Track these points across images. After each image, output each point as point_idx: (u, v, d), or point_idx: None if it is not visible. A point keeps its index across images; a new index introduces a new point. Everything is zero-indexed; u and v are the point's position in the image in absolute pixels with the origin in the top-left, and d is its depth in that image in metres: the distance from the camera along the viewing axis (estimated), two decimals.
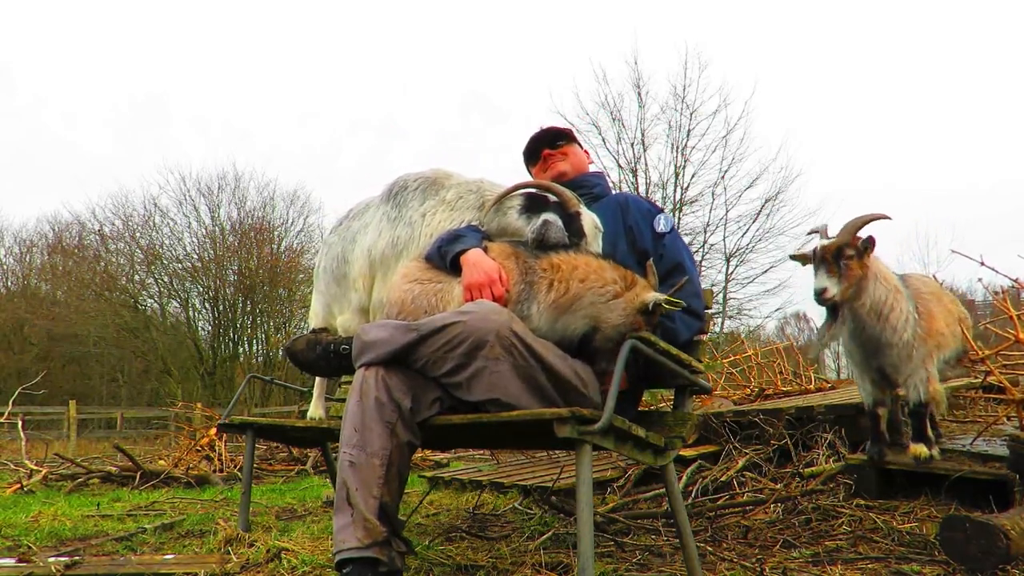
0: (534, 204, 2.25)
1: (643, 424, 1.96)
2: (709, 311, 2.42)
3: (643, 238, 2.30)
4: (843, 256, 2.55)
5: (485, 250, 2.06)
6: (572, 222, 2.15)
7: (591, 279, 1.97)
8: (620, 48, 31.38)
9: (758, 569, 2.11)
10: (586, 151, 2.66)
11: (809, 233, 2.90)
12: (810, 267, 2.69)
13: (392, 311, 2.08)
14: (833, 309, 2.65)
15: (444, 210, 2.38)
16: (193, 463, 5.75)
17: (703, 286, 2.46)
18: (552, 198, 2.22)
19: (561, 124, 2.64)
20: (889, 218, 2.71)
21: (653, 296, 1.97)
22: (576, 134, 2.69)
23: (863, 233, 2.61)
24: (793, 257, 2.77)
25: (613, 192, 2.54)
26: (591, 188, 2.47)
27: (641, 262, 2.21)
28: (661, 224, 2.32)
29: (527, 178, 2.66)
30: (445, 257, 2.11)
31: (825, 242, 2.61)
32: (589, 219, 2.19)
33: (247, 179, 24.48)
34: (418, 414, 1.77)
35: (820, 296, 2.56)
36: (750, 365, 6.48)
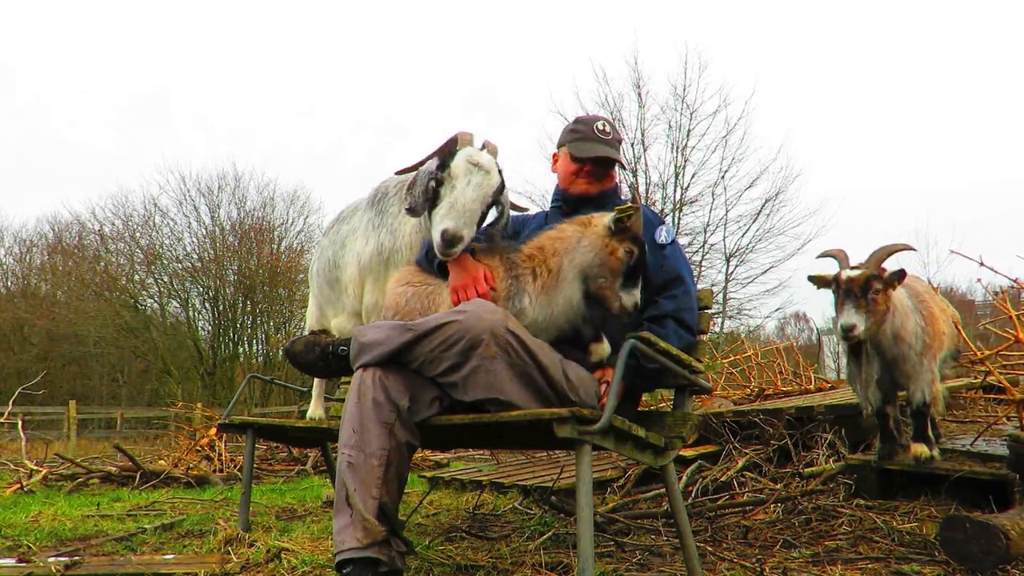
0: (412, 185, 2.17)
1: (643, 424, 1.96)
2: (709, 311, 2.42)
3: None
4: (871, 289, 2.44)
5: (473, 252, 2.07)
6: (445, 166, 2.07)
7: (558, 244, 2.00)
8: (620, 48, 31.44)
9: (758, 569, 2.11)
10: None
11: (821, 256, 2.80)
12: (824, 291, 2.57)
13: (388, 314, 2.11)
14: (856, 346, 2.55)
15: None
16: (193, 463, 5.74)
17: (703, 285, 2.46)
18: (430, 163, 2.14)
19: (560, 125, 2.51)
20: (915, 249, 2.57)
21: (608, 216, 1.97)
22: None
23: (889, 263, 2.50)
24: (811, 279, 2.67)
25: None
26: (605, 202, 2.44)
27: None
28: (663, 236, 2.31)
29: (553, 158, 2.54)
30: (432, 262, 2.13)
31: (853, 273, 2.48)
32: (460, 158, 2.08)
33: (247, 179, 24.52)
34: (416, 414, 1.78)
35: (848, 333, 2.44)
36: (750, 365, 6.49)
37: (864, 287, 2.44)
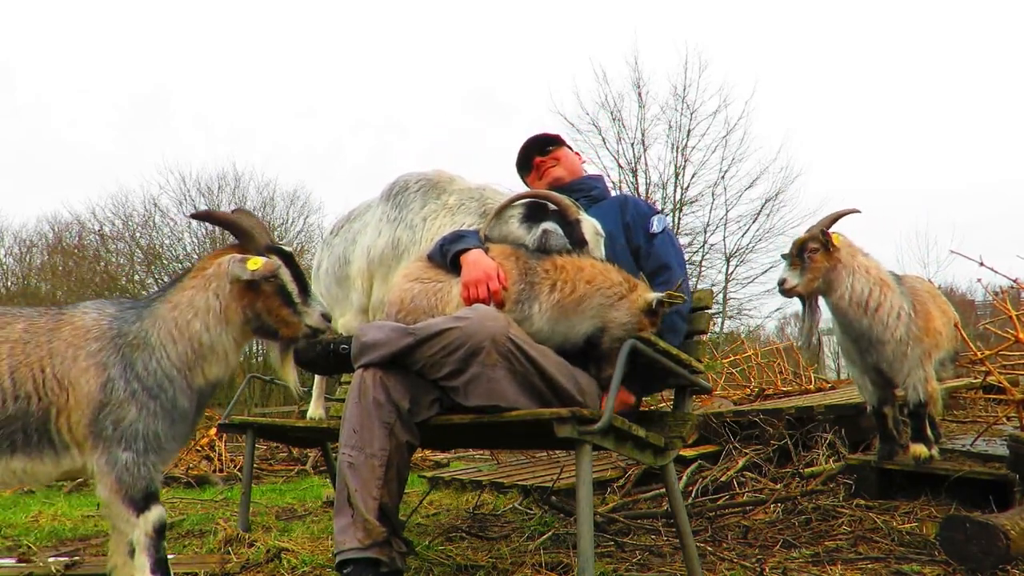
0: (534, 213, 2.24)
1: (643, 424, 1.96)
2: (709, 311, 2.43)
3: (637, 236, 2.34)
4: (806, 250, 2.64)
5: (486, 251, 2.07)
6: (573, 230, 2.15)
7: (598, 280, 1.98)
8: (620, 48, 31.30)
9: (758, 569, 2.11)
10: (577, 153, 2.66)
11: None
12: None
13: (391, 310, 2.09)
14: (804, 304, 2.76)
15: (445, 215, 2.38)
16: (193, 463, 5.74)
17: (703, 286, 2.47)
18: (552, 207, 2.22)
19: (560, 125, 2.62)
20: (859, 211, 2.78)
21: (655, 295, 1.98)
22: (565, 138, 2.68)
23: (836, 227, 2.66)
24: (784, 256, 2.87)
25: (613, 193, 2.55)
26: (589, 191, 2.48)
27: (636, 258, 2.24)
28: (655, 225, 2.35)
29: (523, 186, 2.66)
30: (447, 256, 2.12)
31: (794, 239, 2.71)
32: (590, 225, 2.18)
33: (247, 179, 24.35)
34: (417, 415, 1.78)
35: (780, 287, 2.69)
36: (750, 365, 6.49)
37: (800, 248, 2.66)
